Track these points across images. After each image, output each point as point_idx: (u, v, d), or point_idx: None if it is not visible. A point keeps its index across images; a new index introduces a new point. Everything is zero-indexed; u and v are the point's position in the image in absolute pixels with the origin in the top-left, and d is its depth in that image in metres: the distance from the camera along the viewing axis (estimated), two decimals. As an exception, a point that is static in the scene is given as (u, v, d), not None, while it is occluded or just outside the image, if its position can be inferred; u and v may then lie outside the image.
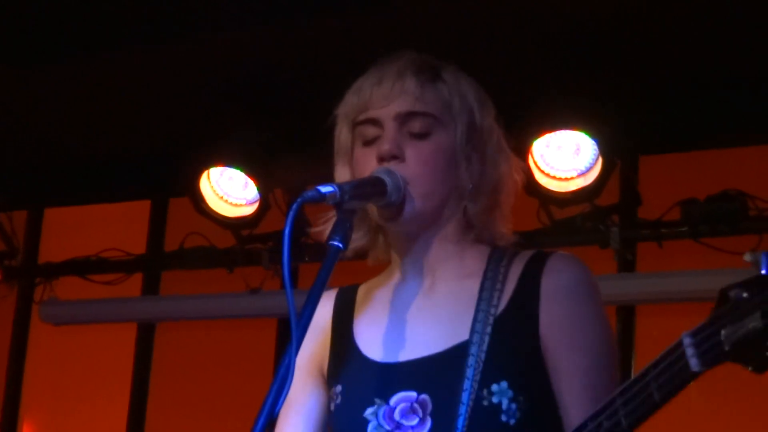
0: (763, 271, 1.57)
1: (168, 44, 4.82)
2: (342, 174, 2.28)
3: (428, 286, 2.24)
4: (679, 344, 1.67)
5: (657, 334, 4.60)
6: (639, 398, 1.73)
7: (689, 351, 1.65)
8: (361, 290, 2.37)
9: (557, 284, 2.15)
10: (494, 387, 2.07)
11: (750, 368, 1.59)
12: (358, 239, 2.28)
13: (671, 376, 1.68)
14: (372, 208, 2.20)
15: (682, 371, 1.67)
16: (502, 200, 2.26)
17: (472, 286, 2.19)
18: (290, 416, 2.33)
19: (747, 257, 1.62)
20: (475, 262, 2.24)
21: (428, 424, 2.10)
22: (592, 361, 2.12)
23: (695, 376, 1.66)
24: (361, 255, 2.33)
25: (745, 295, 1.59)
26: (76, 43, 4.80)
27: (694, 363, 1.65)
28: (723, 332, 1.61)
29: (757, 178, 4.71)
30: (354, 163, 2.25)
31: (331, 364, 2.30)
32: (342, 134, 2.29)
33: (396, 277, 2.30)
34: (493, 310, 2.14)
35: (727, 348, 1.60)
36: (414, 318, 2.22)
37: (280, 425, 2.34)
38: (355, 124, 2.25)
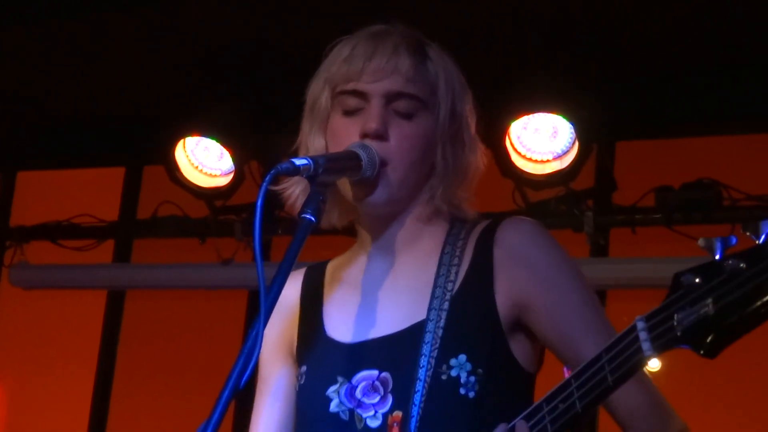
0: (717, 257, 1.58)
1: (148, 9, 4.79)
2: (316, 142, 2.26)
3: (392, 266, 2.24)
4: (633, 328, 1.70)
5: (627, 320, 4.61)
6: (593, 381, 1.75)
7: (642, 335, 1.67)
8: (330, 268, 2.37)
9: (509, 250, 2.15)
10: (452, 361, 2.07)
11: (701, 353, 1.60)
12: (334, 218, 2.28)
13: (624, 360, 1.70)
14: (346, 188, 2.19)
15: (635, 355, 1.69)
16: (468, 183, 2.27)
17: (432, 264, 2.19)
18: (265, 396, 2.34)
19: (701, 242, 1.64)
20: (435, 238, 2.24)
21: (389, 400, 2.10)
22: (575, 297, 2.12)
23: (647, 360, 1.68)
24: (333, 230, 2.32)
25: (698, 280, 1.60)
26: (52, 4, 4.75)
27: (646, 347, 1.67)
28: (676, 317, 1.63)
29: (733, 168, 4.73)
30: (330, 132, 2.24)
31: (299, 345, 2.30)
32: (322, 98, 2.25)
33: (363, 255, 2.30)
34: (450, 287, 2.14)
35: (679, 333, 1.62)
36: (377, 298, 2.22)
37: (257, 405, 2.35)
38: (339, 92, 2.22)
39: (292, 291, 2.33)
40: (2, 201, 6.30)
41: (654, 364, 5.06)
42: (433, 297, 2.14)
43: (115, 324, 5.95)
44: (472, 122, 2.29)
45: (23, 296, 6.01)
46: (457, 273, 2.16)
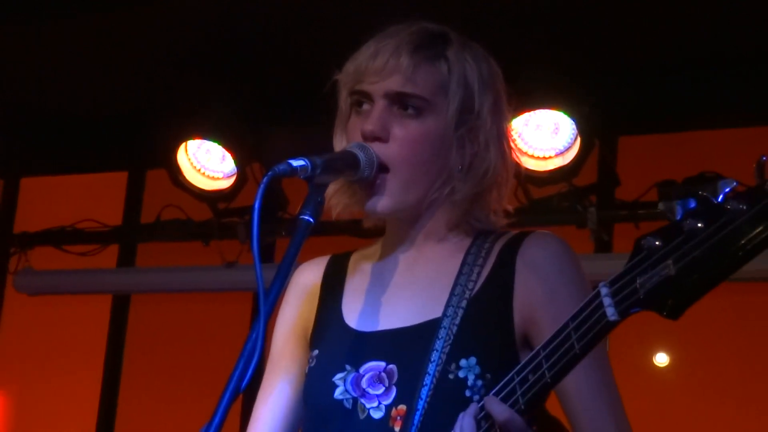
0: (677, 219, 1.58)
1: (149, 11, 4.79)
2: (338, 142, 2.27)
3: (412, 262, 2.25)
4: (597, 295, 1.71)
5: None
6: (560, 350, 1.76)
7: (606, 301, 1.68)
8: (353, 258, 2.37)
9: (532, 261, 2.15)
10: (462, 362, 2.07)
11: (664, 314, 1.61)
12: (354, 204, 2.27)
13: (590, 327, 1.71)
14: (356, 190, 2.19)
15: (600, 321, 1.69)
16: (491, 187, 2.23)
17: (454, 265, 2.19)
18: (273, 376, 2.34)
19: (661, 206, 1.64)
20: (460, 240, 2.23)
21: (393, 393, 2.10)
22: None
23: (613, 325, 1.68)
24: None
25: (657, 243, 1.61)
26: (53, 4, 4.75)
27: (610, 312, 1.68)
28: (638, 280, 1.63)
29: (735, 160, 4.70)
30: (347, 132, 2.24)
31: (315, 329, 2.30)
32: (342, 101, 2.27)
33: (388, 249, 2.30)
34: (470, 288, 2.14)
35: (642, 296, 1.63)
36: (394, 291, 2.23)
37: (264, 385, 2.34)
38: (350, 93, 2.23)
39: (314, 276, 2.35)
40: (6, 207, 6.31)
41: (662, 360, 5.05)
42: (452, 294, 2.14)
43: (120, 328, 5.95)
44: (497, 121, 2.24)
45: (28, 302, 6.02)
46: (479, 274, 2.16)
